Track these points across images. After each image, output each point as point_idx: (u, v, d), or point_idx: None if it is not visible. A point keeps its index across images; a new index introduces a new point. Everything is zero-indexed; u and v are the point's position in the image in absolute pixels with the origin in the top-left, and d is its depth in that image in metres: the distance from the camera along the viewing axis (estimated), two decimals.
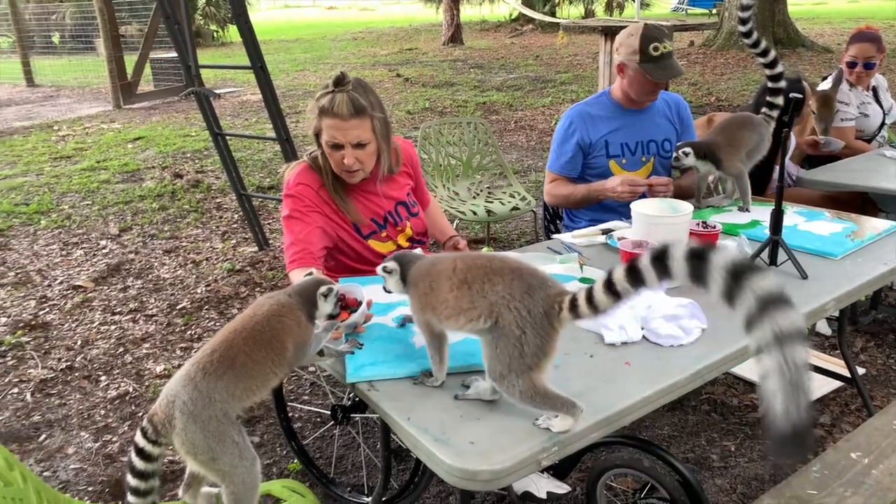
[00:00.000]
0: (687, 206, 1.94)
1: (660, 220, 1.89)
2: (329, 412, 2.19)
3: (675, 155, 2.49)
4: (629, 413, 1.42)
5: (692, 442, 2.59)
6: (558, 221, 3.14)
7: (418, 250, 1.67)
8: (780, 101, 2.53)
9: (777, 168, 2.06)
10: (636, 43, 2.64)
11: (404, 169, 2.32)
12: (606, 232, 2.38)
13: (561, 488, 2.21)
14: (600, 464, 1.98)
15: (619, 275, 1.16)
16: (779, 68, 2.47)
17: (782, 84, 2.52)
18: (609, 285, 1.18)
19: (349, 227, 2.19)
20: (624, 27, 2.77)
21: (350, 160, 2.03)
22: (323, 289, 1.55)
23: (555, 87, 11.17)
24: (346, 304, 1.66)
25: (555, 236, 2.44)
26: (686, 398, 2.78)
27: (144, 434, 1.40)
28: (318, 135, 2.09)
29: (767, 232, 2.02)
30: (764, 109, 2.57)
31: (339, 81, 2.01)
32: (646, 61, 2.62)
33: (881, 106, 3.66)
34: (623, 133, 2.84)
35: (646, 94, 2.75)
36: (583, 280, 2.00)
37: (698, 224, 1.95)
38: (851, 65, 3.56)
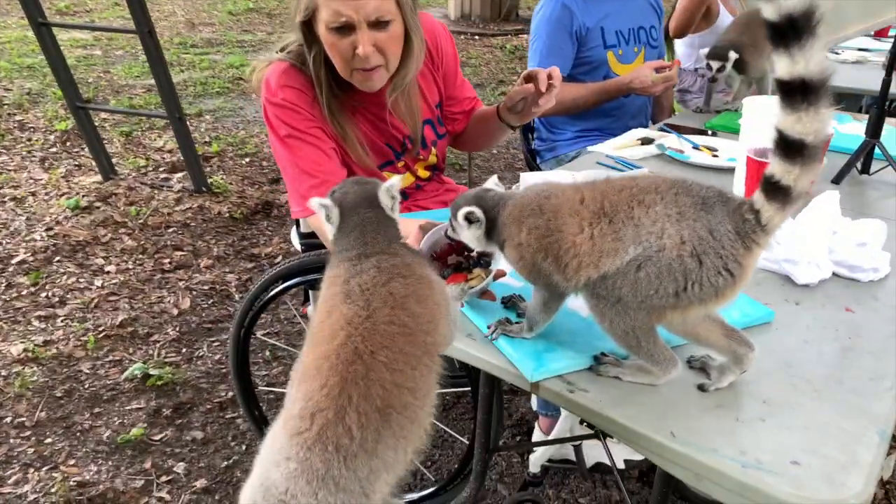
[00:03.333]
0: None
1: None
2: None
3: (713, 63, 2.12)
4: None
5: None
6: (529, 135, 2.68)
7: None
8: None
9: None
10: None
11: (426, 66, 1.67)
12: (647, 142, 1.99)
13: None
14: None
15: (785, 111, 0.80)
16: None
17: None
18: (781, 139, 0.82)
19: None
20: None
21: (367, 48, 1.37)
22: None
23: None
24: (466, 259, 1.11)
25: (592, 149, 1.99)
26: None
27: None
28: (307, 23, 1.41)
29: None
30: None
31: None
32: None
33: None
34: (615, 18, 2.40)
35: None
36: None
37: None
38: None
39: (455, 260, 1.16)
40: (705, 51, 2.16)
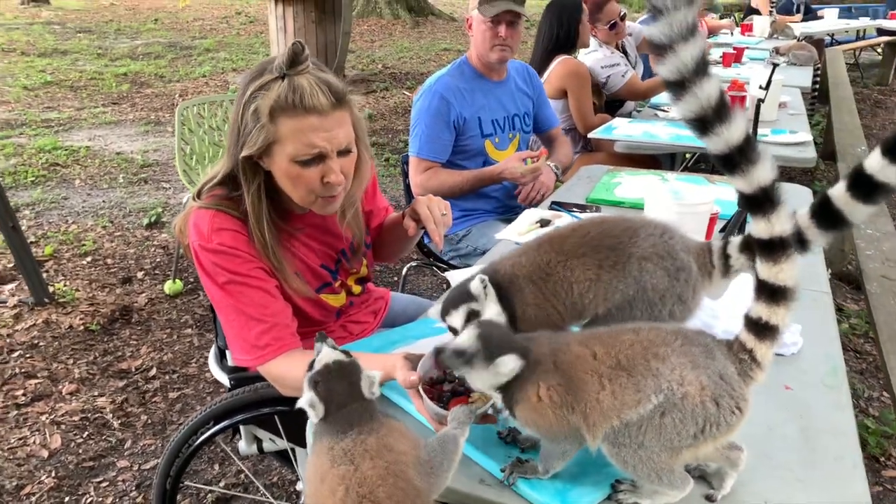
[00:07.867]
0: (704, 192, 1.77)
1: (694, 207, 1.69)
2: None
3: None
4: None
5: None
6: None
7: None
8: None
9: None
10: None
11: None
12: (545, 223, 2.10)
13: None
14: None
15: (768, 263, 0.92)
16: None
17: None
18: (763, 286, 0.93)
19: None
20: None
21: (340, 176, 1.35)
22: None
23: (200, 54, 10.01)
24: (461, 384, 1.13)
25: (499, 236, 2.05)
26: None
27: None
28: (257, 156, 1.34)
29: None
30: None
31: (297, 57, 1.29)
32: (483, 2, 2.40)
33: (628, 58, 3.98)
34: (492, 109, 2.56)
35: (492, 48, 2.46)
36: None
37: None
38: (614, 26, 3.61)
39: (451, 387, 1.15)
40: None
